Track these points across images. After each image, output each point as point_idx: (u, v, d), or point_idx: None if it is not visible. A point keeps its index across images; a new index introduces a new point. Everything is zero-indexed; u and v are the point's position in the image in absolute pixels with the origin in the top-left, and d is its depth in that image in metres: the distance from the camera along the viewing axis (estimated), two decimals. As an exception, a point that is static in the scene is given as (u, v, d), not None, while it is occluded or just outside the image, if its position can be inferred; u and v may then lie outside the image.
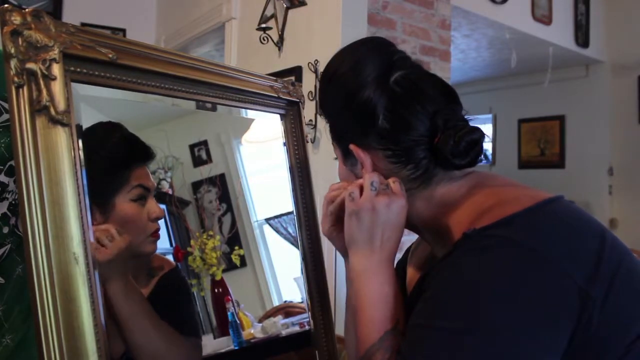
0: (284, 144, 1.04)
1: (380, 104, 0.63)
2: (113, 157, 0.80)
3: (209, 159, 0.97)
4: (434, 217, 0.66)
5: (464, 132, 0.62)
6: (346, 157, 0.69)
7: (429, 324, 0.54)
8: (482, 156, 0.64)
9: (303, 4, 1.89)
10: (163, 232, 0.86)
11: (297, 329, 1.03)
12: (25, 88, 0.60)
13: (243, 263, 0.99)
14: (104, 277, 0.73)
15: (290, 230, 1.06)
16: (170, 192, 0.90)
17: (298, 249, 1.03)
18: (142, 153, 0.85)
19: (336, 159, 0.74)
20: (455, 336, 0.50)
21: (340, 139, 0.70)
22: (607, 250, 0.54)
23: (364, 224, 0.64)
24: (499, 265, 0.52)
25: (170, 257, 0.89)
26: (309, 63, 1.89)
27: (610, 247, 0.55)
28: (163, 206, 0.87)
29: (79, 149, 0.65)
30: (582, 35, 4.13)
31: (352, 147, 0.66)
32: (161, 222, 0.85)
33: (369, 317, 0.62)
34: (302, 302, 1.05)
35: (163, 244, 0.87)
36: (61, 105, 0.62)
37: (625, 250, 0.57)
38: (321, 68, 1.85)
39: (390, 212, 0.63)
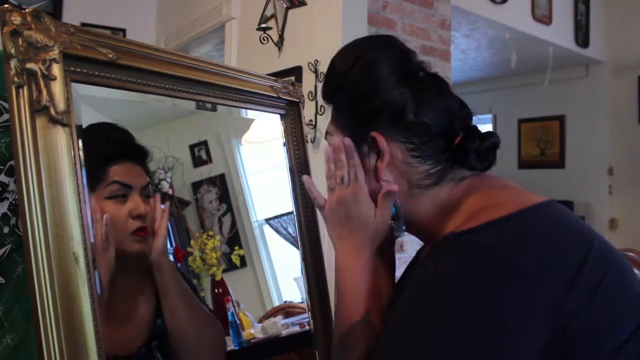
0: (284, 144, 1.04)
1: (410, 98, 0.64)
2: (89, 153, 0.74)
3: (209, 159, 0.97)
4: (433, 219, 0.66)
5: (487, 134, 0.64)
6: (357, 148, 0.67)
7: (398, 320, 0.55)
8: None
9: (303, 4, 1.89)
10: (163, 232, 0.86)
11: (297, 329, 1.03)
12: (25, 88, 0.60)
13: (243, 263, 0.99)
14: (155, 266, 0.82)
15: (291, 231, 1.06)
16: (170, 192, 0.90)
17: (298, 249, 1.03)
18: (122, 148, 0.82)
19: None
20: (420, 332, 0.52)
21: (355, 128, 0.67)
22: (592, 260, 0.53)
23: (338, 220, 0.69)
24: (468, 268, 0.52)
25: (170, 257, 0.89)
26: (309, 63, 1.89)
27: (596, 256, 0.54)
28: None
29: (79, 148, 0.65)
30: (582, 35, 4.13)
31: (375, 134, 0.65)
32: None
33: (340, 306, 0.66)
34: (302, 302, 1.05)
35: (163, 244, 0.87)
36: (61, 105, 0.62)
37: (613, 258, 0.56)
38: (321, 68, 1.85)
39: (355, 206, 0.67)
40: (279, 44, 2.04)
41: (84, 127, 0.70)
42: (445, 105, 0.65)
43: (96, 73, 0.70)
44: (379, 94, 0.64)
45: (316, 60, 1.87)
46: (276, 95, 1.00)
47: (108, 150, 0.81)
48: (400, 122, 0.64)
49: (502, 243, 0.53)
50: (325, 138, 0.73)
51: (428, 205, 0.66)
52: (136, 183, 0.83)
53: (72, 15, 2.94)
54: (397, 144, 0.65)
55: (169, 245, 0.89)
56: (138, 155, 0.85)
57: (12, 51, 0.59)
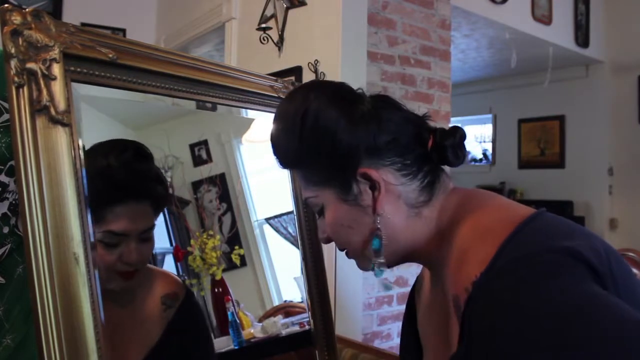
0: (284, 144, 1.04)
1: (373, 124, 0.64)
2: (88, 183, 0.68)
3: (209, 159, 0.97)
4: (432, 241, 0.65)
5: (453, 129, 0.65)
6: (347, 192, 0.65)
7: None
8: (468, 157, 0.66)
9: (303, 4, 1.88)
10: (163, 232, 0.86)
11: (297, 328, 1.03)
12: (25, 88, 0.60)
13: (243, 263, 0.99)
14: None
15: (291, 230, 1.06)
16: (170, 191, 0.90)
17: (298, 248, 1.03)
18: (128, 189, 0.76)
19: (320, 216, 0.69)
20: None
21: (337, 176, 0.65)
22: (599, 261, 0.52)
23: None
24: (532, 305, 0.47)
25: (170, 257, 0.89)
26: (309, 63, 1.89)
27: (602, 258, 0.53)
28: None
29: (79, 148, 0.65)
30: (582, 35, 4.13)
31: (363, 170, 0.63)
32: (161, 222, 0.85)
33: None
34: (302, 301, 1.05)
35: (163, 243, 0.87)
36: (61, 105, 0.62)
37: (617, 259, 0.55)
38: (321, 68, 1.85)
39: None
40: (279, 44, 2.04)
41: (88, 130, 0.69)
42: (404, 116, 0.66)
43: (96, 73, 0.70)
44: (342, 139, 0.63)
45: (316, 60, 1.87)
46: (277, 95, 1.00)
47: (108, 192, 0.75)
48: (377, 148, 0.63)
49: (529, 274, 0.49)
50: (307, 203, 0.70)
51: (426, 227, 0.65)
52: (134, 229, 0.76)
53: (72, 15, 2.94)
54: (385, 169, 0.64)
55: (169, 245, 0.89)
56: (148, 194, 0.79)
57: (13, 51, 0.59)
